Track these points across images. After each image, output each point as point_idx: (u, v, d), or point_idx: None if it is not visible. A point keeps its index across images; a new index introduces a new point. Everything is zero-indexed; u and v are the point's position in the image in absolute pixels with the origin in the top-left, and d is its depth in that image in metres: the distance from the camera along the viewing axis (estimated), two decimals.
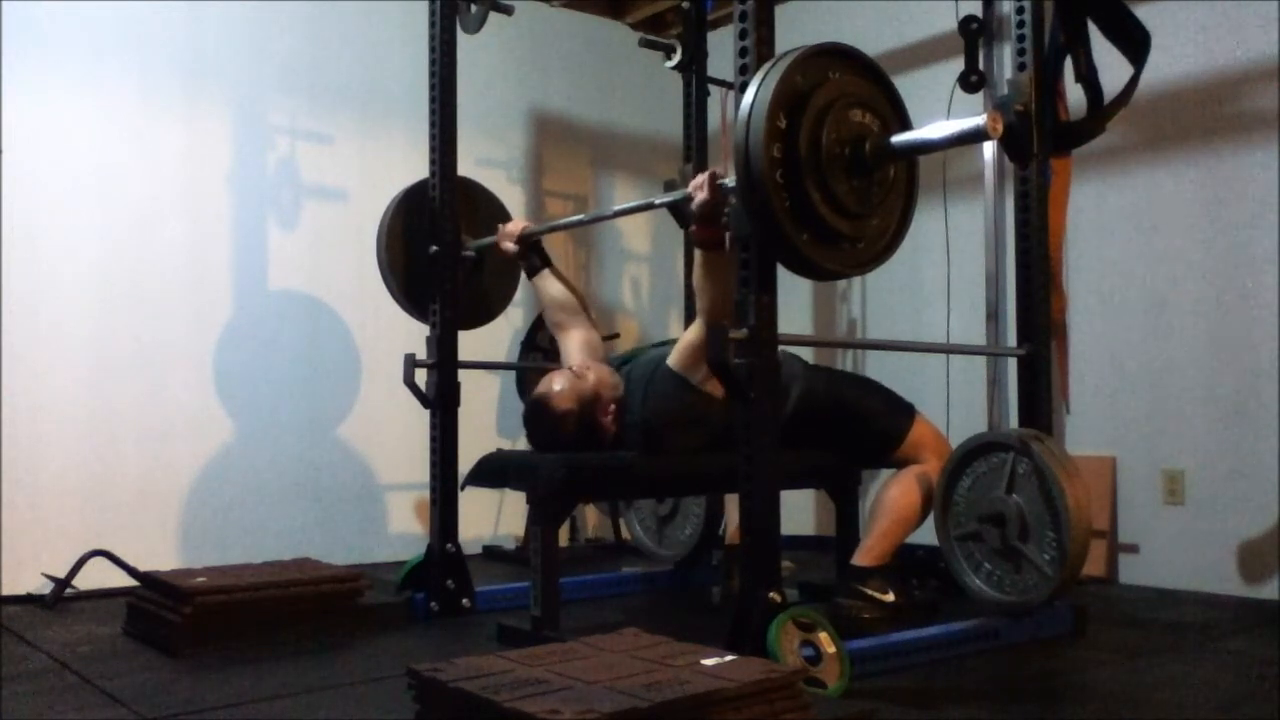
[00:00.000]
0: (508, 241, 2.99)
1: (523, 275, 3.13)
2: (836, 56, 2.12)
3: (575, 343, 2.91)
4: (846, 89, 2.10)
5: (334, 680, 2.28)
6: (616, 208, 2.95)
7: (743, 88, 2.10)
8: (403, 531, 4.03)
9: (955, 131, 2.05)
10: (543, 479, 2.52)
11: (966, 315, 3.26)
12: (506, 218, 3.28)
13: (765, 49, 2.16)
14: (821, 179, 2.03)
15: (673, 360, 2.56)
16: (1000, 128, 2.02)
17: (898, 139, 2.11)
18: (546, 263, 3.01)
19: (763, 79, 2.03)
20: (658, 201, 2.74)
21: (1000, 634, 2.53)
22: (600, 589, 3.32)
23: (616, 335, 4.44)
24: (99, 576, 3.22)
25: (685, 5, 3.89)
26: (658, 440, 2.59)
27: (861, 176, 2.09)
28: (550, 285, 2.98)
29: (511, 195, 4.48)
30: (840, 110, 2.07)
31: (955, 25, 3.03)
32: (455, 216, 3.10)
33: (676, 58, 3.91)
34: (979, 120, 2.01)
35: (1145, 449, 3.40)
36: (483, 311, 3.35)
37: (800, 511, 4.26)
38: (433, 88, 3.11)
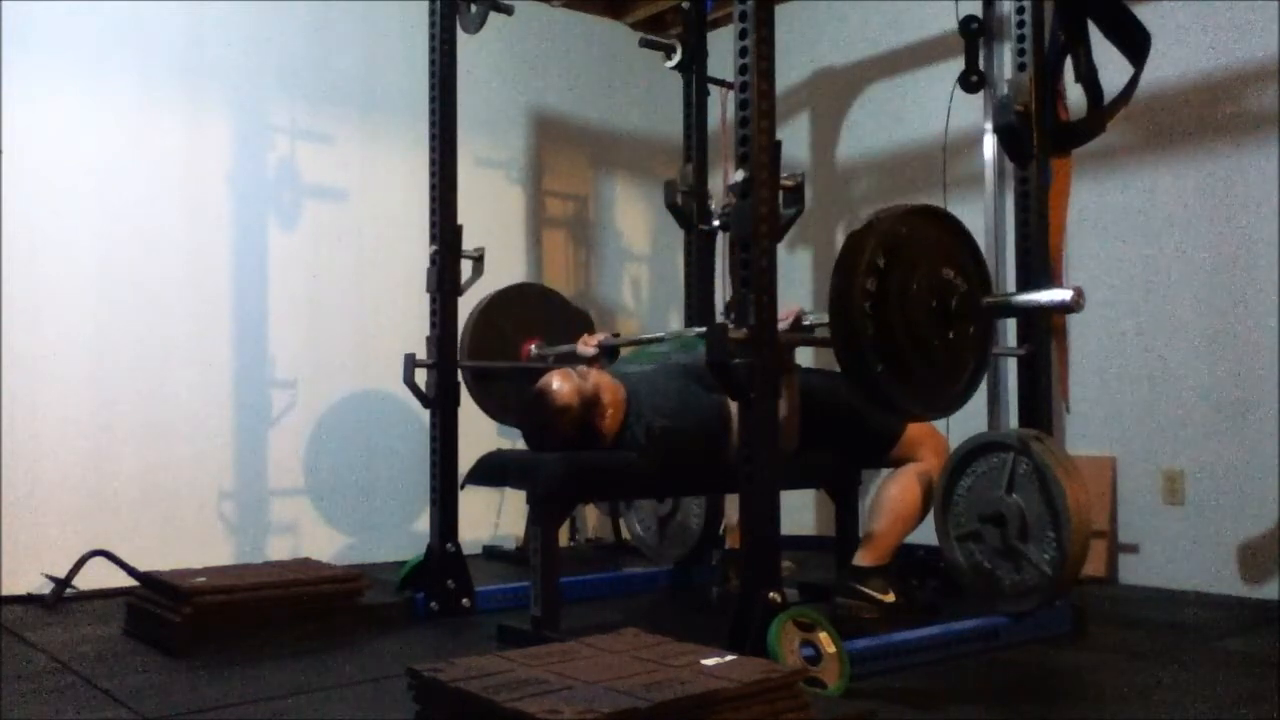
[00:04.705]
0: (587, 347, 3.22)
1: None
2: (939, 219, 2.40)
3: None
4: (943, 247, 2.35)
5: (334, 680, 2.28)
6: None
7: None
8: (403, 531, 4.03)
9: (1043, 302, 2.41)
10: (543, 478, 2.52)
11: None
12: (588, 328, 3.57)
13: (765, 49, 2.17)
14: (908, 320, 2.24)
15: None
16: (1084, 302, 2.31)
17: (987, 299, 2.40)
18: None
19: (867, 224, 2.27)
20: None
21: (1000, 634, 2.52)
22: (600, 589, 3.32)
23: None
24: (99, 576, 3.22)
25: (685, 5, 3.89)
26: (671, 443, 2.59)
27: (945, 326, 2.32)
28: None
29: (511, 195, 4.49)
30: (933, 262, 2.30)
31: (955, 25, 3.03)
32: (454, 216, 3.11)
33: (676, 58, 3.91)
34: (1065, 295, 2.33)
35: (1145, 449, 3.40)
36: None
37: (800, 511, 4.25)
38: (433, 88, 3.11)
